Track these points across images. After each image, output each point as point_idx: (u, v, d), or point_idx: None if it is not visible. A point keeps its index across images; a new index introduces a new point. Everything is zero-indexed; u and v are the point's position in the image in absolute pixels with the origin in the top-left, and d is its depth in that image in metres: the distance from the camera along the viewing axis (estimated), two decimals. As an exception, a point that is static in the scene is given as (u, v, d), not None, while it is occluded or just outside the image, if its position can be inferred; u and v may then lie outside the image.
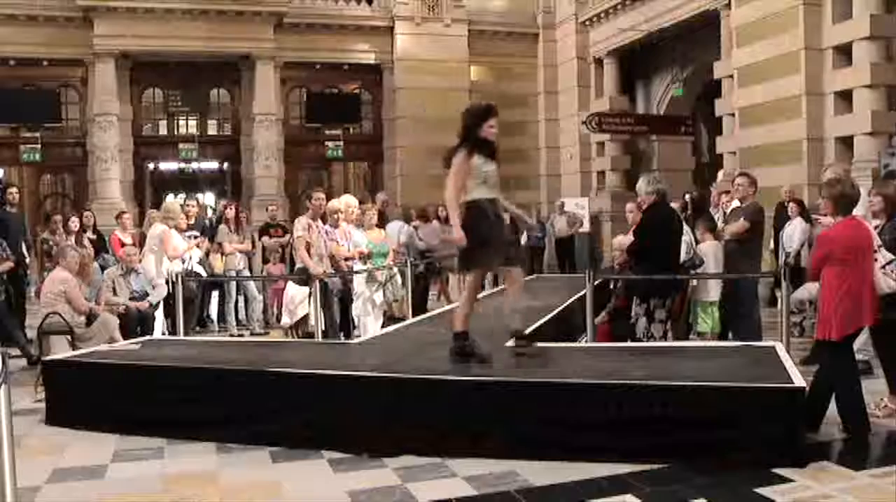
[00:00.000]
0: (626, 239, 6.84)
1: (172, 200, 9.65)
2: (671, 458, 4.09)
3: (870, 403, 4.92)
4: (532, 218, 12.31)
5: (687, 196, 9.73)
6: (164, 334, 7.87)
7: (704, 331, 7.29)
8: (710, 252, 7.18)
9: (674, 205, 7.51)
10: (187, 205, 9.69)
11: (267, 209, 11.46)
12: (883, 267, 4.88)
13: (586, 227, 16.81)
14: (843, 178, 5.36)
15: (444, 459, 4.32)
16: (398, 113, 18.61)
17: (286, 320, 8.32)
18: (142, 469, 4.48)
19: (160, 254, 8.45)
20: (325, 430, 4.63)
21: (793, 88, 12.04)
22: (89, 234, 10.04)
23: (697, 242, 7.32)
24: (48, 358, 6.07)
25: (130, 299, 7.60)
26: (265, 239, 10.37)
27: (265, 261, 10.47)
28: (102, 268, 8.83)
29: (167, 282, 7.95)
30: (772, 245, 10.21)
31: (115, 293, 7.57)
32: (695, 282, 7.24)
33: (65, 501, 4.05)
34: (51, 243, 9.13)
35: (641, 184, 6.40)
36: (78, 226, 9.95)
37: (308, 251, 7.41)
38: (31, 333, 7.72)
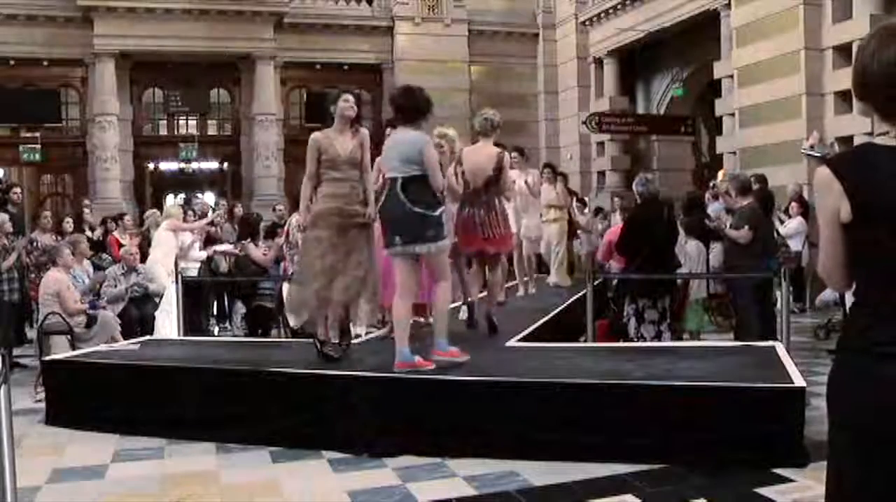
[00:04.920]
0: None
1: (172, 203, 9.69)
2: (671, 458, 4.09)
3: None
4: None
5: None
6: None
7: (693, 329, 7.39)
8: (694, 253, 7.33)
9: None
10: (204, 204, 9.69)
11: (274, 209, 11.41)
12: None
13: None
14: None
15: (444, 459, 4.32)
16: (398, 113, 18.59)
17: (294, 321, 8.22)
18: (142, 469, 4.48)
19: (165, 252, 8.48)
20: (325, 430, 4.64)
21: (793, 88, 12.02)
22: (88, 234, 10.05)
23: (706, 242, 7.45)
24: (48, 358, 6.08)
25: (131, 298, 7.62)
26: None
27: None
28: (97, 268, 8.83)
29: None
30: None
31: (115, 292, 7.61)
32: (694, 283, 7.30)
33: (65, 501, 4.05)
34: (37, 243, 8.97)
35: (634, 184, 6.50)
36: (72, 227, 9.94)
37: None
38: (32, 333, 7.74)
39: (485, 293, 6.46)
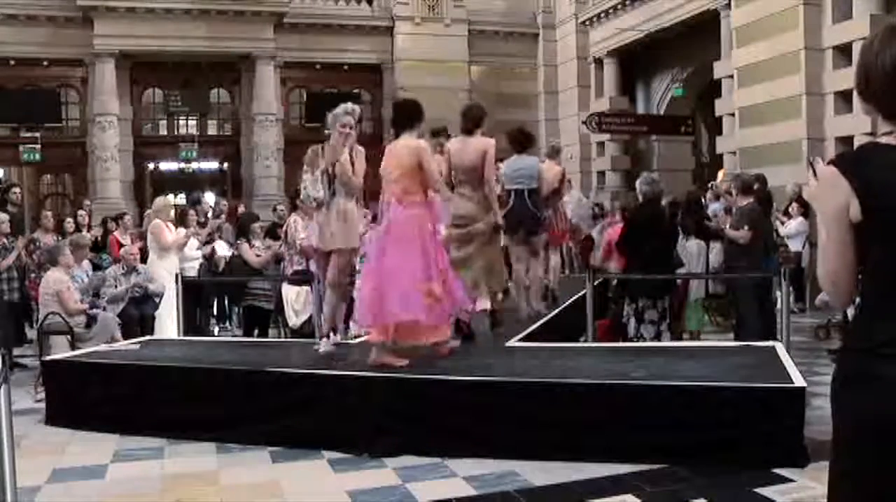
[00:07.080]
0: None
1: (163, 197, 9.70)
2: (671, 458, 4.09)
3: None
4: None
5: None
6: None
7: (693, 329, 7.42)
8: (694, 252, 7.36)
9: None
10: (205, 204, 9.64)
11: (275, 209, 11.36)
12: None
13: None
14: None
15: (444, 459, 4.32)
16: (398, 113, 18.58)
17: (294, 321, 8.23)
18: (142, 469, 4.48)
19: (157, 251, 8.46)
20: (325, 430, 4.63)
21: (793, 88, 12.02)
22: (88, 235, 10.03)
23: (707, 242, 7.47)
24: (48, 358, 6.07)
25: (132, 298, 7.60)
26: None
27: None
28: (97, 268, 8.83)
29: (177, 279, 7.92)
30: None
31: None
32: (694, 283, 7.31)
33: (65, 501, 4.05)
34: (39, 243, 8.97)
35: (638, 183, 6.51)
36: (73, 227, 9.94)
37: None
38: (32, 333, 7.73)
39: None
